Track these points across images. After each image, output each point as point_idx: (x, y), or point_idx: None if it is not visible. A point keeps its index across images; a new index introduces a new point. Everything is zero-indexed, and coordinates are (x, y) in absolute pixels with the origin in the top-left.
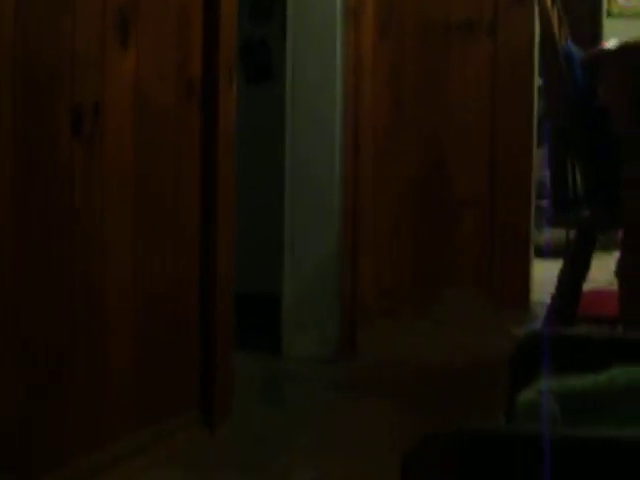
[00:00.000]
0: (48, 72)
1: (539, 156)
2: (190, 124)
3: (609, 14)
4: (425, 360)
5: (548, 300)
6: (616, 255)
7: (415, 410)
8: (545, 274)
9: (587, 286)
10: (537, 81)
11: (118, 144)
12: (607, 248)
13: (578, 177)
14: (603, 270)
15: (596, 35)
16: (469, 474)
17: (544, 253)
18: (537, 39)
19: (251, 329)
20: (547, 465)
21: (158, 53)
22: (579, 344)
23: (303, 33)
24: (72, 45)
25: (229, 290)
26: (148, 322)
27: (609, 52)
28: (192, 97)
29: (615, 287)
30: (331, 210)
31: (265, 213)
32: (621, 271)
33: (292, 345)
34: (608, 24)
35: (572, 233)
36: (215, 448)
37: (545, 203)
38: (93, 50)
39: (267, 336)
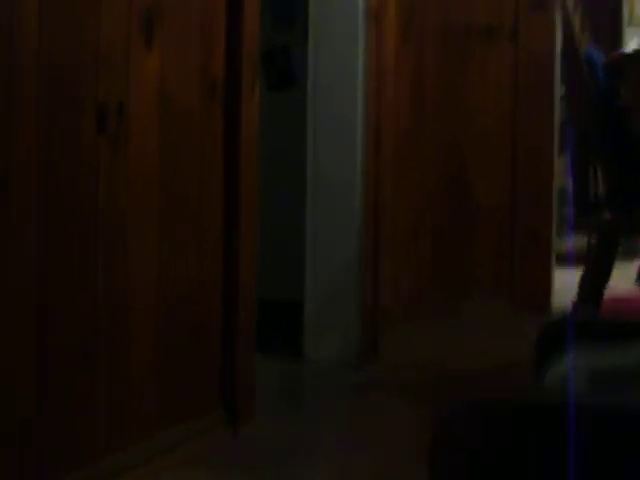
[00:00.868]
0: (73, 71)
1: (561, 163)
2: (213, 126)
3: (630, 23)
4: (446, 363)
5: (569, 306)
6: (637, 263)
7: (434, 412)
8: (566, 281)
9: (608, 293)
10: (558, 89)
11: (142, 144)
12: (628, 256)
13: (600, 181)
14: (624, 278)
15: (616, 43)
16: (497, 442)
17: (566, 260)
18: (558, 45)
19: (273, 334)
20: (572, 432)
21: (182, 54)
22: (605, 328)
23: (325, 39)
24: (97, 44)
25: (251, 292)
26: (171, 324)
27: (631, 54)
28: (215, 99)
29: (636, 294)
30: (352, 215)
31: (287, 219)
32: None
33: (314, 349)
34: (629, 32)
35: (594, 239)
36: (238, 448)
37: (567, 211)
38: (118, 50)
39: (289, 341)
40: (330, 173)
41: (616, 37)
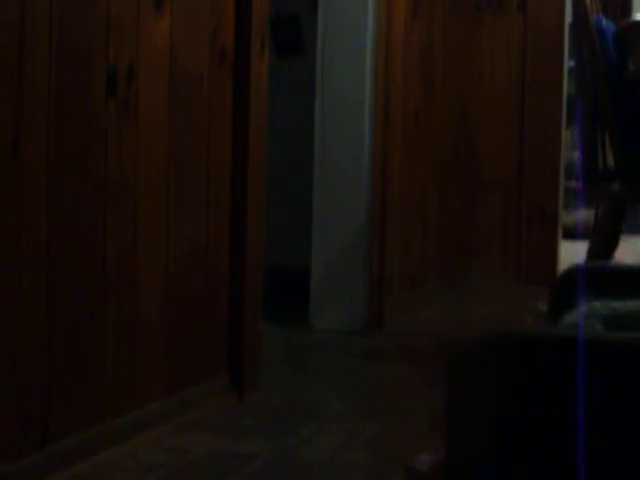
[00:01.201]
0: (83, 34)
1: (569, 136)
2: (222, 91)
3: None
4: (450, 331)
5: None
6: None
7: (440, 376)
8: (574, 254)
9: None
10: (567, 61)
11: (152, 107)
12: (633, 232)
13: (609, 152)
14: (630, 252)
15: (626, 10)
16: (514, 376)
17: (574, 233)
18: (567, 16)
19: (280, 303)
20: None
21: (192, 19)
22: (618, 275)
23: (334, 8)
24: (107, 7)
25: (259, 258)
26: (179, 288)
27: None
28: (224, 64)
29: None
30: (360, 185)
31: (294, 188)
32: None
33: (320, 318)
34: (638, 2)
35: (601, 209)
36: (244, 413)
37: (574, 184)
38: (128, 13)
39: (296, 310)
40: (338, 142)
41: (626, 6)
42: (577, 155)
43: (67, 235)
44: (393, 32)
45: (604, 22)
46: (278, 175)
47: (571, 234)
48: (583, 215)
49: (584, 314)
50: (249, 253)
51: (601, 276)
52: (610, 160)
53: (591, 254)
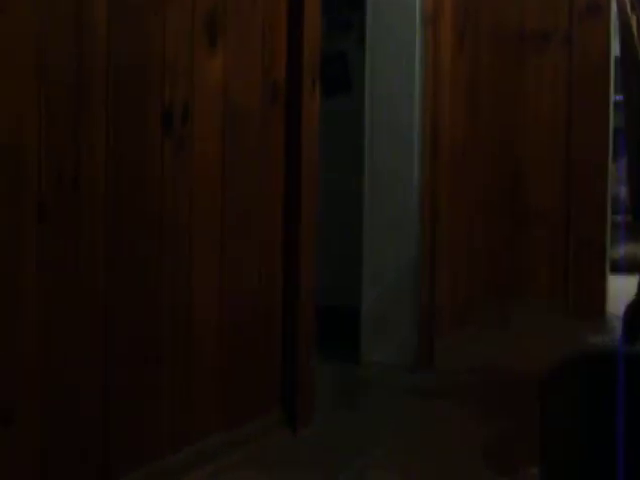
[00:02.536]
0: (139, 73)
1: (614, 171)
2: (275, 129)
3: None
4: (501, 369)
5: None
6: None
7: (491, 415)
8: (619, 288)
9: None
10: (613, 94)
11: (206, 145)
12: None
13: None
14: None
15: None
16: (600, 389)
17: (619, 267)
18: (613, 49)
19: (331, 341)
20: None
21: (245, 57)
22: None
23: (382, 44)
24: (162, 47)
25: (312, 293)
26: (233, 325)
27: None
28: (277, 102)
29: None
30: (409, 224)
31: (345, 225)
32: None
33: (371, 355)
34: None
35: None
36: (297, 449)
37: (620, 218)
38: (182, 52)
39: (347, 347)
40: (387, 178)
41: None
42: (622, 189)
43: (124, 275)
44: (440, 67)
45: None
46: (328, 211)
47: (616, 268)
48: (628, 249)
49: None
50: (301, 291)
51: None
52: None
53: None
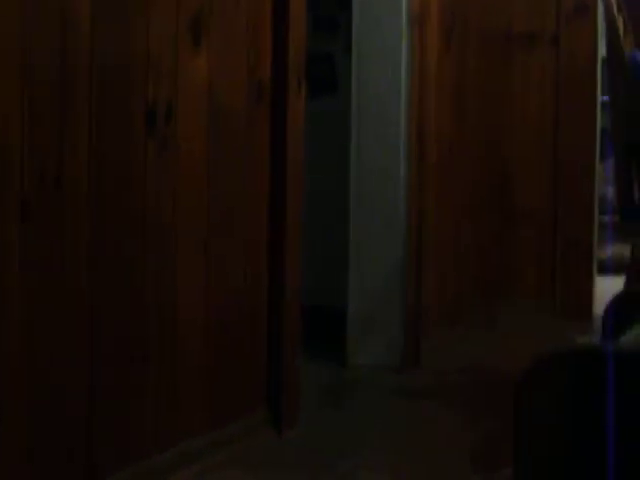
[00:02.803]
0: (123, 72)
1: (601, 171)
2: (260, 128)
3: None
4: (487, 369)
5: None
6: None
7: (478, 415)
8: (606, 288)
9: None
10: (599, 95)
11: (190, 145)
12: None
13: None
14: None
15: None
16: (582, 390)
17: (606, 268)
18: (600, 50)
19: (317, 341)
20: None
21: (229, 56)
22: None
23: (368, 46)
24: (146, 46)
25: (297, 293)
26: (218, 325)
27: None
28: (262, 101)
29: None
30: (396, 224)
31: (330, 224)
32: None
33: (357, 356)
34: None
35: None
36: (282, 449)
37: (607, 218)
38: (166, 52)
39: (333, 348)
40: (373, 178)
41: None
42: (609, 189)
43: (109, 274)
44: (426, 68)
45: (638, 57)
46: (314, 211)
47: (603, 269)
48: (614, 250)
49: None
50: (287, 290)
51: None
52: None
53: (628, 287)
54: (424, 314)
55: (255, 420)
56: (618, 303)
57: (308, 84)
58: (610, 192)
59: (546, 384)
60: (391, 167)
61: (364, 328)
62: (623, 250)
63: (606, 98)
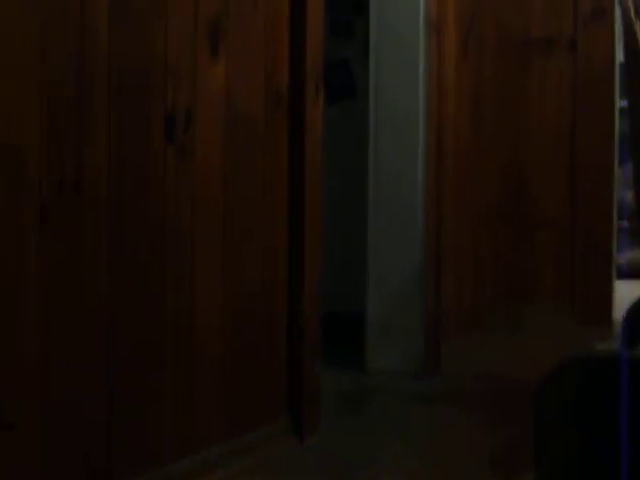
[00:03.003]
0: (141, 78)
1: (620, 176)
2: (278, 135)
3: None
4: (507, 374)
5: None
6: None
7: (498, 421)
8: (625, 294)
9: None
10: (618, 100)
11: (209, 152)
12: None
13: None
14: None
15: None
16: (600, 396)
17: (623, 273)
18: (618, 53)
19: (336, 347)
20: None
21: (247, 63)
22: None
23: (386, 52)
24: (165, 53)
25: (317, 300)
26: (238, 332)
27: None
28: (280, 108)
29: None
30: (414, 229)
31: (349, 231)
32: None
33: (376, 362)
34: None
35: None
36: (304, 456)
37: (624, 224)
38: (184, 58)
39: (352, 354)
40: (391, 184)
41: None
42: (627, 194)
43: (127, 280)
44: (444, 74)
45: None
46: (333, 218)
47: (621, 273)
48: (632, 254)
49: None
50: (307, 296)
51: None
52: None
53: None
54: (444, 319)
55: (276, 428)
56: (635, 311)
57: (326, 90)
58: (628, 197)
59: (565, 390)
60: (409, 172)
61: (383, 334)
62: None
63: (625, 103)
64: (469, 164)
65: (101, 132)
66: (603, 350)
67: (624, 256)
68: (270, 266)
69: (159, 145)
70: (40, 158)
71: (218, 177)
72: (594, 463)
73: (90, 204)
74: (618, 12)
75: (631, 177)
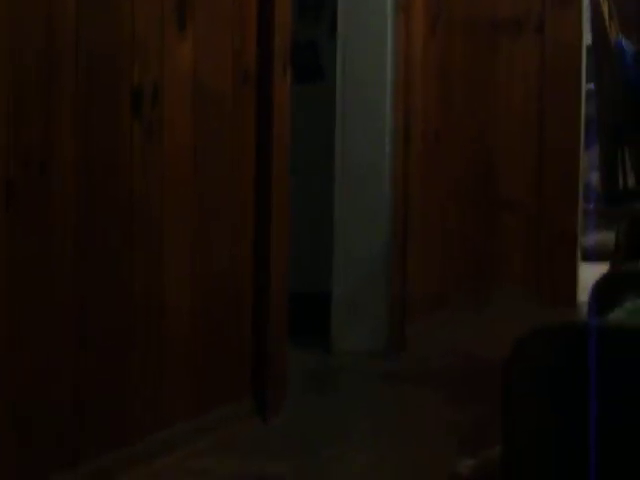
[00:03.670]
0: (109, 55)
1: (586, 159)
2: (246, 112)
3: None
4: (472, 354)
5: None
6: None
7: (463, 399)
8: (590, 277)
9: None
10: (585, 82)
11: (176, 128)
12: None
13: (629, 172)
14: None
15: None
16: (568, 366)
17: (590, 256)
18: (585, 37)
19: (302, 327)
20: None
21: (215, 40)
22: None
23: (353, 32)
24: (132, 29)
25: (283, 280)
26: (204, 311)
27: None
28: (247, 85)
29: None
30: (381, 209)
31: (315, 211)
32: None
33: (342, 342)
34: None
35: (622, 230)
36: (268, 436)
37: (590, 206)
38: (152, 34)
39: (318, 334)
40: (359, 165)
41: None
42: (593, 177)
43: (94, 258)
44: (412, 55)
45: (624, 43)
46: (299, 197)
47: (587, 256)
48: (598, 237)
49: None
50: (273, 277)
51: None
52: (631, 181)
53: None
54: (409, 299)
55: (240, 408)
56: (603, 284)
57: (293, 70)
58: (594, 179)
59: (533, 360)
60: (376, 152)
61: (349, 313)
62: (607, 237)
63: (591, 86)
64: (438, 144)
65: (67, 111)
66: (571, 319)
67: (590, 239)
68: (237, 244)
69: (127, 122)
70: (8, 140)
71: (186, 154)
72: (565, 433)
73: (56, 185)
74: None
75: (597, 160)
